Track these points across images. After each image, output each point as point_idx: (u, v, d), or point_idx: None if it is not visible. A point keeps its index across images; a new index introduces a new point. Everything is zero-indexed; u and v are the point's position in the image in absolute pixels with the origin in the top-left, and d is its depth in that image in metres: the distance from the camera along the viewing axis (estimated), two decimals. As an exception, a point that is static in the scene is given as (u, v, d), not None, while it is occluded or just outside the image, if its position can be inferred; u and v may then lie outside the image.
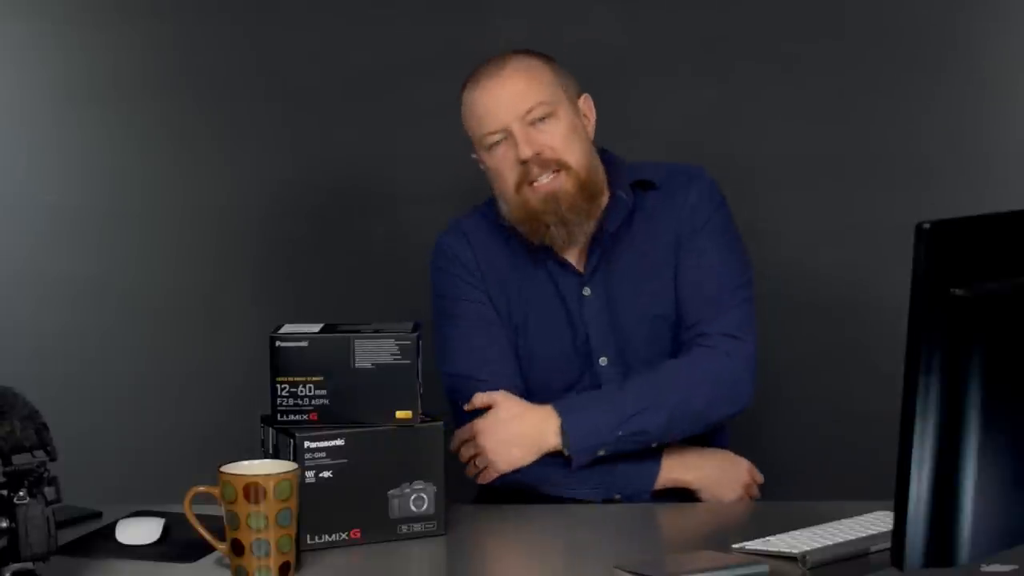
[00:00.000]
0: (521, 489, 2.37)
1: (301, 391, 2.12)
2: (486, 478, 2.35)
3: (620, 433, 2.32)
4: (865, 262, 3.03)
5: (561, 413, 2.33)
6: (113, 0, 3.08)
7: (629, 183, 2.46)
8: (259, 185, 3.10)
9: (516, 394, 2.39)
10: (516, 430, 2.33)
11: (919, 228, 1.58)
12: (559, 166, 2.38)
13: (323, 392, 2.13)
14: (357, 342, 2.13)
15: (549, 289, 2.46)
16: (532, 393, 2.42)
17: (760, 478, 2.42)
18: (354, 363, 2.13)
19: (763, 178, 3.04)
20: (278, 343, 2.12)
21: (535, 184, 2.38)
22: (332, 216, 3.11)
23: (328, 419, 2.12)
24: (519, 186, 2.39)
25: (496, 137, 2.40)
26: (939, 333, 1.59)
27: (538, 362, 2.45)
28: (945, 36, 3.02)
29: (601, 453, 2.33)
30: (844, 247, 3.05)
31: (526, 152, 2.37)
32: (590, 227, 2.42)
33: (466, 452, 2.35)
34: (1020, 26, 3.01)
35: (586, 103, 2.48)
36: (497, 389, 2.37)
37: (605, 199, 2.45)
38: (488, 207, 2.51)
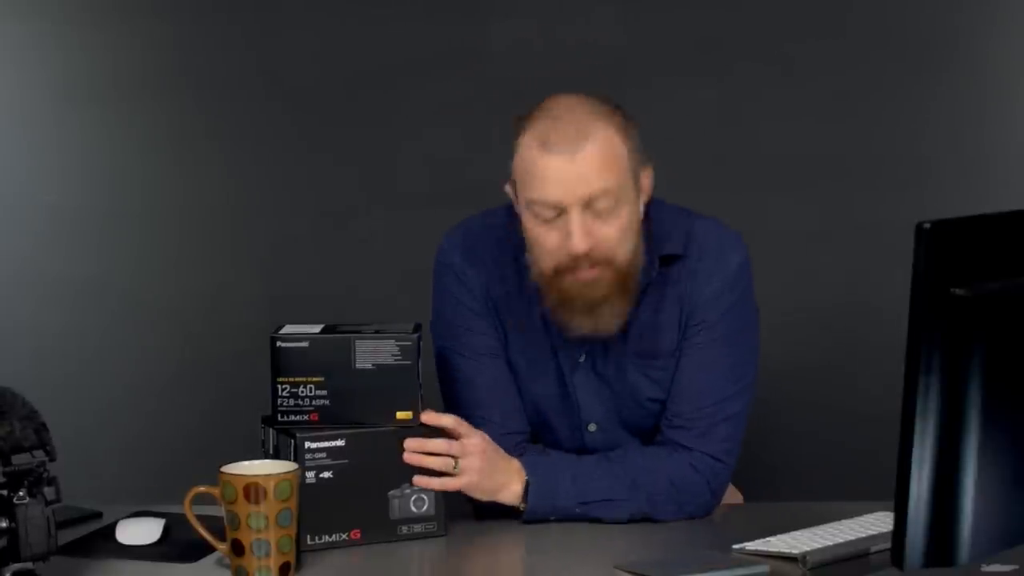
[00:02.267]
0: None
1: (302, 391, 2.12)
2: (443, 487, 2.18)
3: (577, 510, 2.23)
4: (865, 262, 3.02)
5: (529, 476, 2.22)
6: (113, 0, 3.08)
7: (659, 255, 2.28)
8: (259, 185, 3.10)
9: (524, 430, 2.33)
10: (490, 473, 2.21)
11: (919, 228, 1.58)
12: (606, 262, 2.19)
13: (324, 392, 2.12)
14: (358, 342, 2.12)
15: (544, 338, 2.32)
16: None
17: None
18: (355, 364, 2.13)
19: (763, 178, 3.04)
20: (279, 343, 2.12)
21: (577, 275, 2.20)
22: (332, 216, 3.11)
23: (328, 419, 2.12)
24: (559, 271, 2.19)
25: (547, 211, 2.18)
26: (939, 333, 1.58)
27: (527, 405, 2.35)
28: (946, 36, 3.02)
29: (552, 518, 2.24)
30: (844, 247, 3.05)
31: (582, 246, 2.15)
32: (618, 319, 2.25)
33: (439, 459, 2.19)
34: (1020, 26, 3.02)
35: (647, 179, 2.26)
36: (506, 428, 2.29)
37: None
38: (505, 220, 2.33)
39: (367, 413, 2.12)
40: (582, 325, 2.24)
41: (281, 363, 2.12)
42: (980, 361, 1.60)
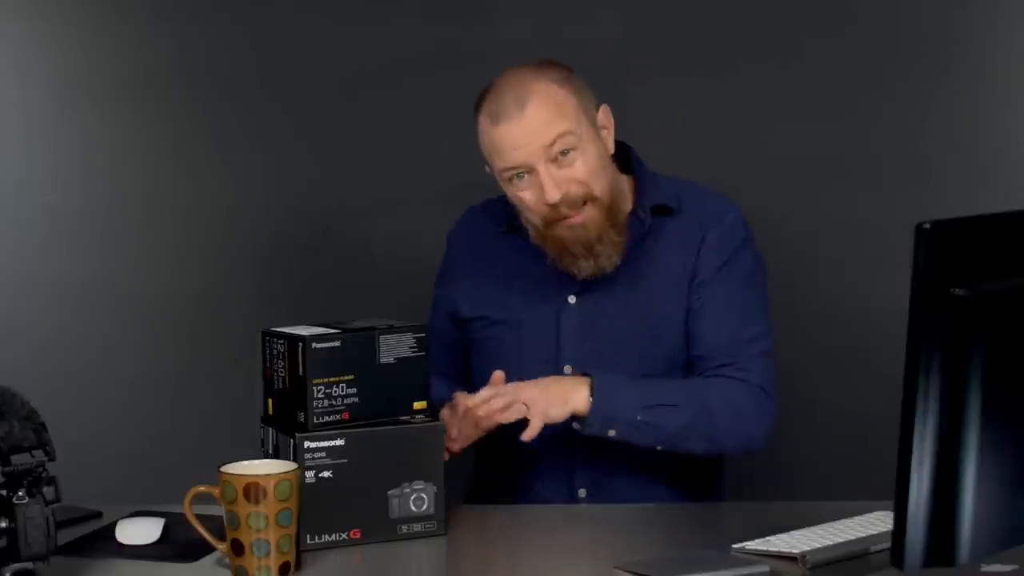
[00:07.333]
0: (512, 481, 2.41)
1: (335, 391, 2.11)
2: (528, 436, 2.28)
3: (639, 416, 2.30)
4: (865, 262, 3.02)
5: (594, 378, 2.31)
6: (113, 0, 3.08)
7: (650, 206, 2.42)
8: (259, 185, 3.10)
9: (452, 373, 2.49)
10: (554, 391, 2.30)
11: (919, 228, 1.58)
12: (587, 199, 2.33)
13: (353, 391, 2.12)
14: (382, 338, 2.13)
15: (539, 287, 2.43)
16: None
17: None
18: (380, 359, 2.13)
19: (764, 178, 3.04)
20: (313, 344, 2.10)
21: (566, 221, 2.33)
22: (332, 216, 3.11)
23: (358, 416, 2.11)
24: (549, 224, 2.34)
25: (519, 171, 2.32)
26: (939, 333, 1.58)
27: (512, 356, 2.43)
28: (946, 36, 3.02)
29: (611, 433, 2.31)
30: (844, 247, 3.05)
31: (554, 196, 2.30)
32: (617, 254, 2.38)
33: (505, 409, 2.28)
34: (1021, 26, 3.01)
35: (604, 115, 2.40)
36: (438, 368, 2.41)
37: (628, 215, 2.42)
38: (503, 197, 2.46)
39: (391, 406, 2.14)
40: (584, 268, 2.37)
41: (315, 364, 2.10)
42: (980, 361, 1.60)
